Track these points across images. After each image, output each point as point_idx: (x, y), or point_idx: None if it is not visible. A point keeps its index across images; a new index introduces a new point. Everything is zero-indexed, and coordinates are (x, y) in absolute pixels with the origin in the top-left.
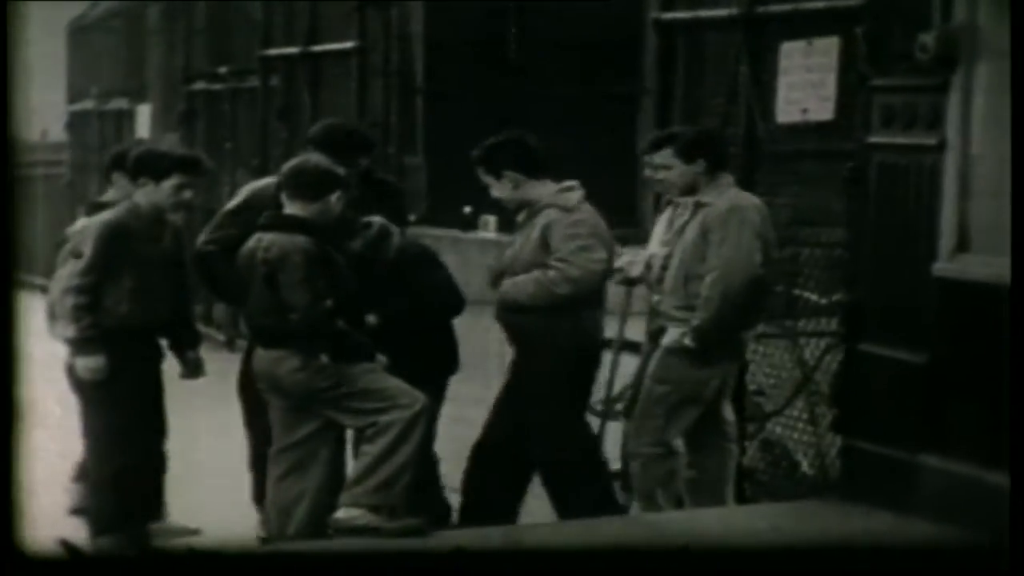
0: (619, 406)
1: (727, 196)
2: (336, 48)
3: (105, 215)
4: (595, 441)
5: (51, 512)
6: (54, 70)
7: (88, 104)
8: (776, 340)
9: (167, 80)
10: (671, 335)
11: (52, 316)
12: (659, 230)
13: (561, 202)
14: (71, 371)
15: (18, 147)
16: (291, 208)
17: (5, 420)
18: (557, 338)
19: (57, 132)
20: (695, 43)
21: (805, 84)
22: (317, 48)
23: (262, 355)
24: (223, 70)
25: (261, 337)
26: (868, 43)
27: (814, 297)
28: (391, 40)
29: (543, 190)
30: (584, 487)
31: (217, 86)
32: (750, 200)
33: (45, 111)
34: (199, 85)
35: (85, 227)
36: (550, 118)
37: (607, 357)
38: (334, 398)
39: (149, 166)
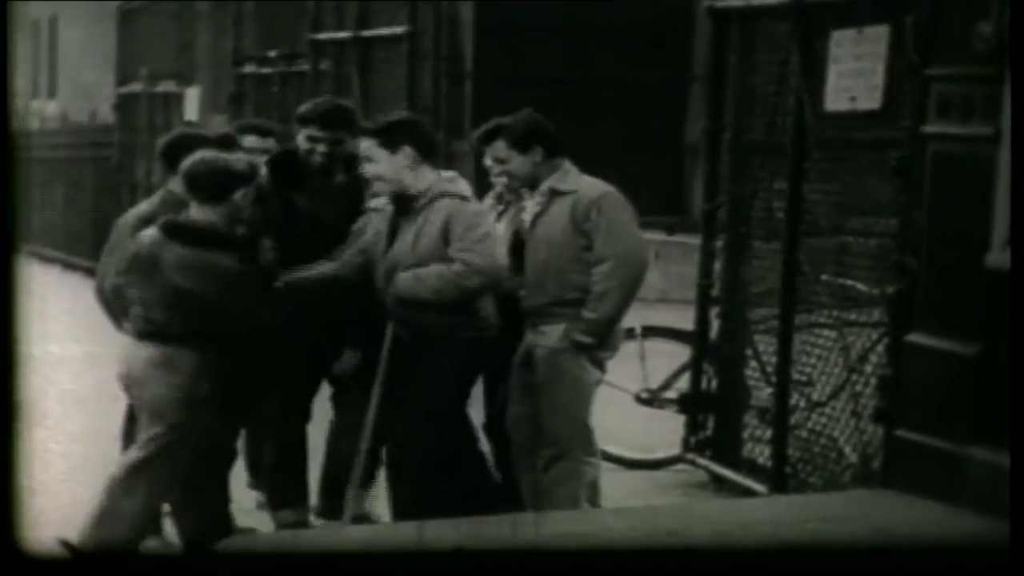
0: (668, 394)
1: (586, 182)
2: (386, 33)
3: (139, 208)
4: (475, 434)
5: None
6: (104, 52)
7: (137, 86)
8: (823, 330)
9: (216, 63)
10: (553, 334)
11: (114, 314)
12: (501, 226)
13: (458, 191)
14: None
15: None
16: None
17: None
18: (455, 331)
19: (106, 114)
20: (747, 31)
21: (854, 72)
22: (367, 33)
23: None
24: (273, 53)
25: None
26: (917, 32)
27: (862, 287)
28: (441, 25)
29: (432, 177)
30: (460, 481)
31: (266, 69)
32: (606, 185)
33: (95, 93)
34: (248, 68)
35: (121, 222)
36: (599, 105)
37: (633, 346)
38: None
39: (190, 150)
